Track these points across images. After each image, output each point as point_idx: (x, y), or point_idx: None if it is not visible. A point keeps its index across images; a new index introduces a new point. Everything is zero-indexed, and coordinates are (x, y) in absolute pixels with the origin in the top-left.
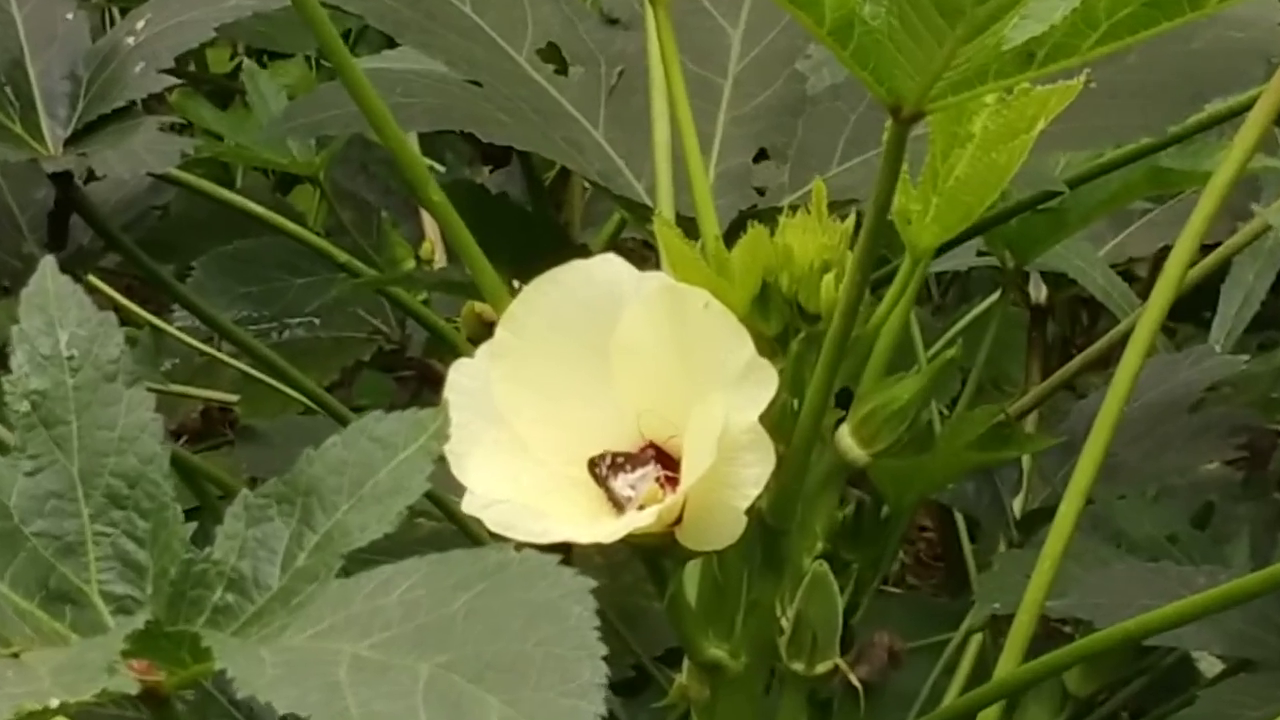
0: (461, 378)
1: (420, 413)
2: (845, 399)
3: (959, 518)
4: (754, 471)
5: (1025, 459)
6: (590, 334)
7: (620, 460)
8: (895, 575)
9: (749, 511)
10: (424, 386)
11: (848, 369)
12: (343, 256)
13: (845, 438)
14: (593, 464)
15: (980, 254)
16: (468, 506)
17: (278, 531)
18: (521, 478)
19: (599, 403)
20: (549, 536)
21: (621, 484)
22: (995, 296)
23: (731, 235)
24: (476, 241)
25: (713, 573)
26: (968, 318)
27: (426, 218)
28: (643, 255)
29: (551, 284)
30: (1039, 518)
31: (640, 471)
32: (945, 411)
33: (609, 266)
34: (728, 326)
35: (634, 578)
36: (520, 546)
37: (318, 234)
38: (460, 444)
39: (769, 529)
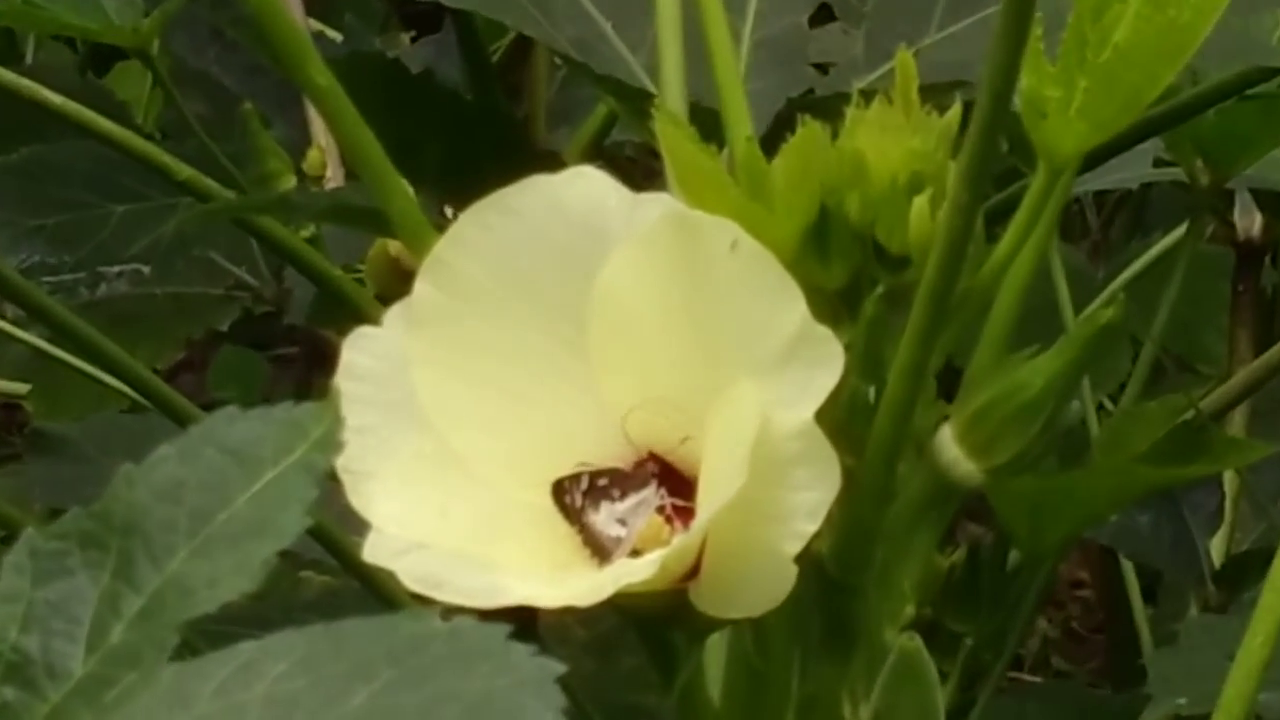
0: (363, 357)
1: (297, 409)
2: (948, 387)
3: (1127, 568)
4: (808, 497)
5: (1228, 478)
6: (558, 290)
7: (603, 482)
8: (1035, 655)
9: (801, 559)
10: (314, 370)
11: (951, 341)
12: (185, 171)
13: (949, 446)
14: (561, 487)
15: (1159, 164)
16: (373, 553)
17: (81, 591)
18: (454, 509)
19: (571, 394)
20: (497, 598)
21: (605, 518)
22: (1182, 230)
23: (775, 137)
24: (389, 148)
25: (746, 653)
26: (1140, 262)
27: (314, 112)
28: (640, 169)
29: (499, 213)
30: (1249, 566)
31: (634, 498)
32: (1107, 405)
33: (587, 185)
34: (767, 277)
35: (636, 662)
36: (450, 612)
37: (148, 136)
38: (361, 458)
39: (832, 585)
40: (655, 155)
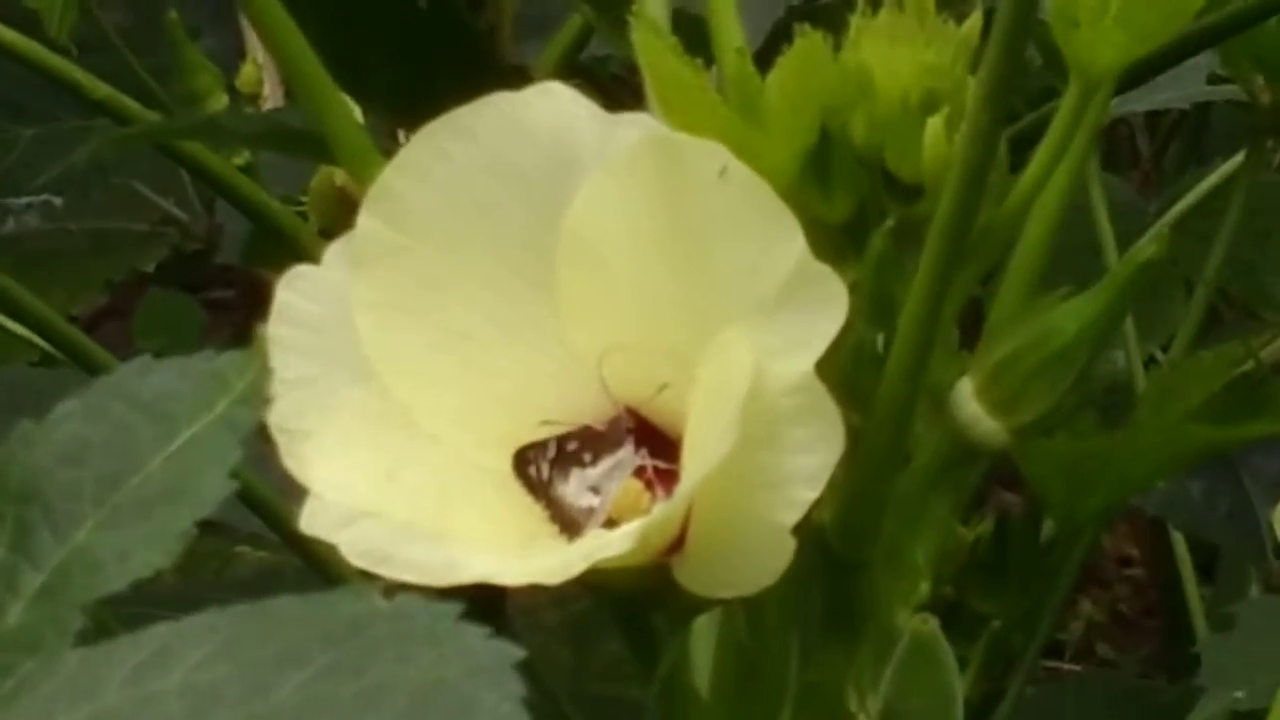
0: (300, 299)
1: (219, 359)
2: (971, 336)
3: (1179, 541)
4: (807, 460)
5: None
6: (522, 223)
7: (572, 445)
8: (1078, 641)
9: (799, 530)
10: (255, 316)
11: (971, 281)
12: (102, 90)
13: (967, 401)
14: (524, 457)
15: (1214, 80)
16: (313, 524)
17: None
18: (403, 473)
19: (536, 341)
20: (453, 574)
21: (576, 487)
22: (1240, 158)
23: (771, 50)
24: (332, 64)
25: (738, 637)
26: (1194, 193)
27: (249, 23)
28: (618, 87)
29: (454, 135)
30: None
31: (608, 461)
32: (1156, 357)
33: (553, 104)
34: (760, 208)
35: (615, 649)
36: (393, 589)
37: (60, 50)
38: (298, 415)
39: (835, 560)
40: (636, 73)
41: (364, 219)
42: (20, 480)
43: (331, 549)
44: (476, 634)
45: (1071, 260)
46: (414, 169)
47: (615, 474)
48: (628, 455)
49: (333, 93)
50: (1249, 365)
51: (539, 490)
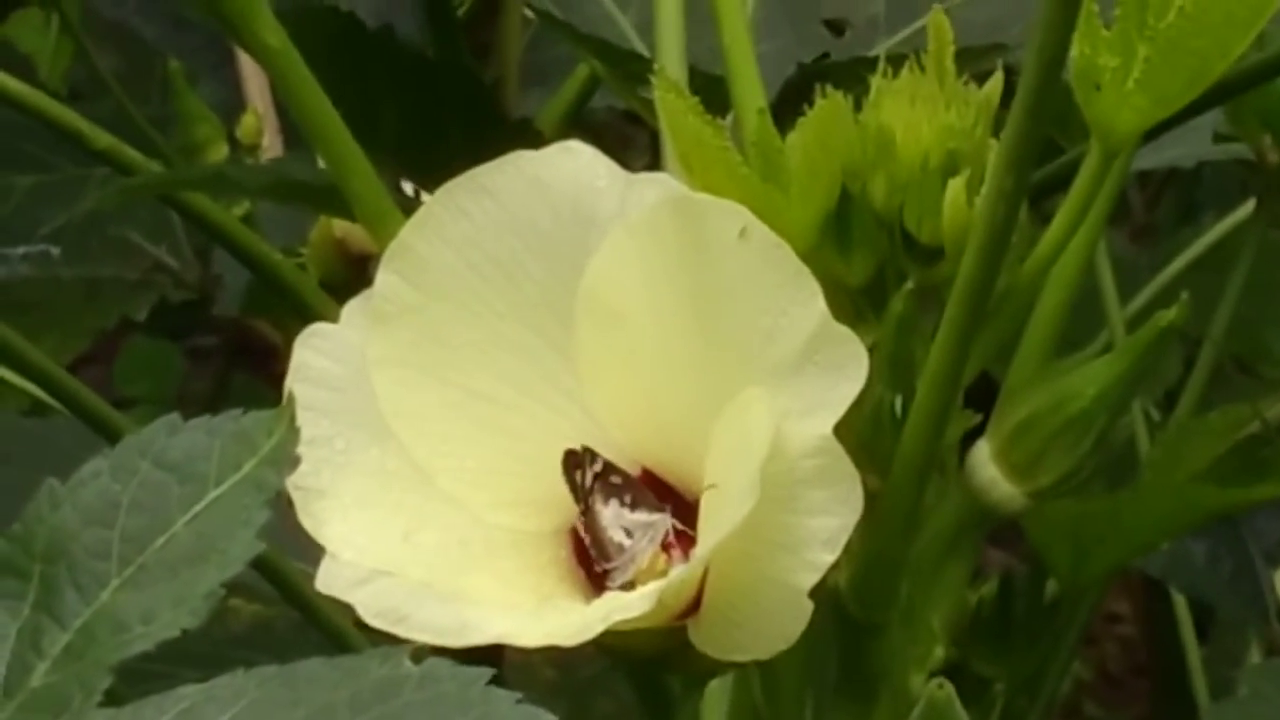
0: (317, 357)
1: (246, 419)
2: (981, 397)
3: (1179, 603)
4: (825, 523)
5: None
6: (540, 282)
7: (616, 479)
8: (1067, 699)
9: (816, 593)
10: (234, 366)
11: (990, 344)
12: (104, 139)
13: (985, 465)
14: (573, 458)
15: (1219, 139)
16: (328, 583)
17: None
18: (420, 533)
19: (554, 401)
20: (469, 635)
21: (612, 516)
22: (1245, 212)
23: (787, 108)
24: (340, 115)
25: (753, 701)
26: (1194, 249)
27: (248, 71)
28: (626, 141)
29: (474, 194)
30: None
31: (644, 516)
32: (1154, 416)
33: (573, 163)
34: (781, 269)
35: (612, 707)
36: (422, 653)
37: (56, 97)
38: (314, 473)
39: (851, 624)
40: (633, 122)
41: (383, 276)
42: (47, 540)
43: (333, 606)
44: (506, 699)
45: (1071, 314)
46: (433, 227)
47: (650, 533)
48: (662, 520)
49: (352, 149)
50: (1254, 426)
51: (580, 498)
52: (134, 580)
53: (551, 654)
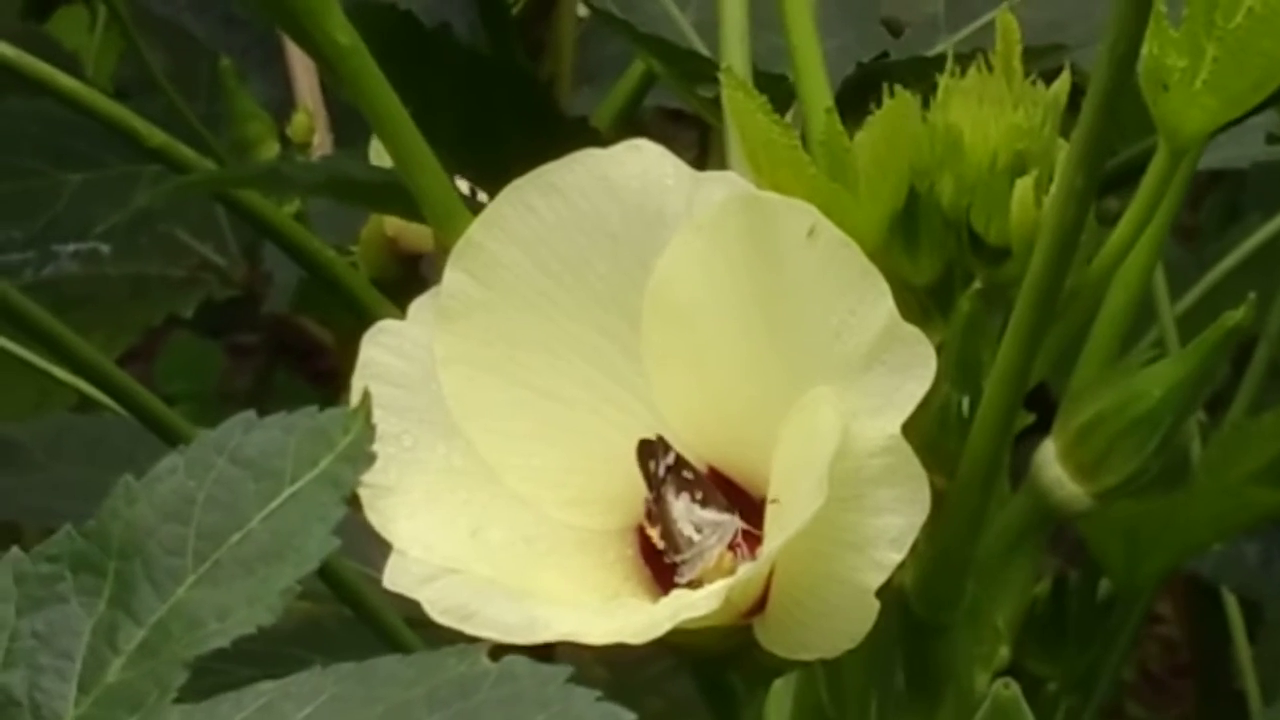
0: (384, 354)
1: (322, 415)
2: (1032, 399)
3: (1230, 604)
4: (892, 522)
5: None
6: (608, 279)
7: (688, 474)
8: (1109, 700)
9: (882, 593)
10: (276, 364)
11: (1056, 345)
12: (158, 137)
13: (1050, 465)
14: (647, 448)
15: (1272, 140)
16: (395, 579)
17: (73, 621)
18: (487, 530)
19: (621, 399)
20: (537, 632)
21: (683, 510)
22: None
23: (847, 106)
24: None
25: (818, 700)
26: (1242, 250)
27: (298, 69)
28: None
29: (542, 192)
30: None
31: (714, 515)
32: (1202, 418)
33: (642, 162)
34: (849, 268)
35: (662, 706)
36: (499, 650)
37: (105, 94)
38: (382, 470)
39: (917, 624)
40: (678, 121)
41: (450, 273)
42: (122, 536)
43: (384, 603)
44: (585, 696)
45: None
46: (501, 225)
47: (719, 533)
48: (731, 522)
49: (421, 147)
50: None
51: (653, 486)
52: (209, 577)
53: (602, 653)
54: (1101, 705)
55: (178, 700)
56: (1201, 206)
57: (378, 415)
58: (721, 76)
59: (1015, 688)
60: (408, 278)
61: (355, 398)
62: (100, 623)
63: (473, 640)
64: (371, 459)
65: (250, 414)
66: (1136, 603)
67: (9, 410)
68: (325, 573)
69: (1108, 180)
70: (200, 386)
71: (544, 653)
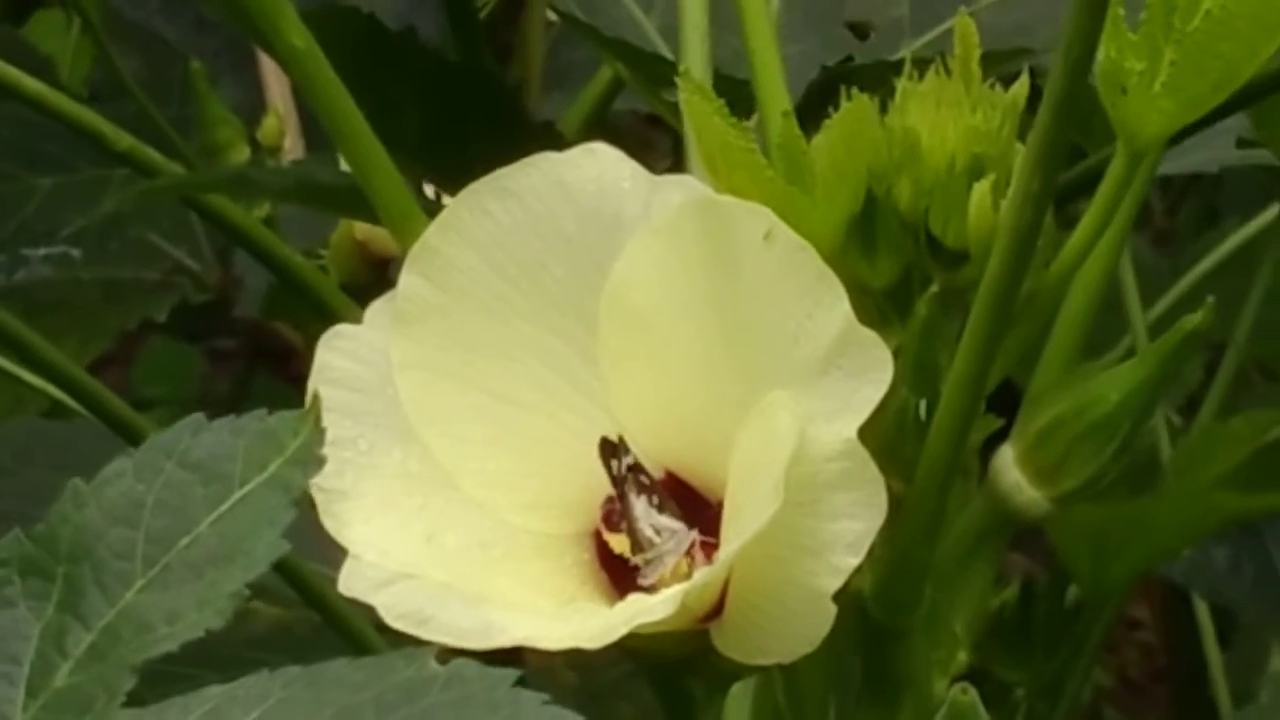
0: (340, 359)
1: (271, 419)
2: (1003, 403)
3: (1201, 609)
4: (849, 526)
5: None
6: (565, 284)
7: (645, 480)
8: (1087, 705)
9: (840, 597)
10: (254, 368)
11: (1015, 349)
12: (126, 141)
13: (1009, 469)
14: (608, 446)
15: (1243, 144)
16: (351, 584)
17: (21, 625)
18: (443, 535)
19: (578, 403)
20: (493, 637)
21: (644, 510)
22: (1269, 217)
23: (810, 111)
24: (363, 114)
25: (775, 705)
26: (1216, 254)
27: (270, 73)
28: (648, 145)
29: (498, 196)
30: None
31: (669, 522)
32: (1175, 421)
33: (598, 165)
34: (805, 272)
35: (634, 711)
36: (447, 654)
37: (77, 99)
38: (337, 475)
39: (875, 628)
40: (655, 125)
41: (406, 277)
42: (71, 539)
43: (354, 609)
44: (533, 700)
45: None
46: (457, 228)
47: (673, 539)
48: (686, 532)
49: (377, 151)
50: (1277, 433)
51: (616, 485)
52: (159, 580)
53: (572, 658)
54: (1078, 711)
55: (126, 705)
56: (1179, 211)
57: (333, 419)
58: (678, 79)
59: (973, 692)
60: (377, 282)
61: (309, 401)
62: (48, 627)
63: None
64: (321, 462)
65: (199, 416)
66: (1104, 607)
67: None
68: (293, 578)
69: (1076, 185)
70: (179, 391)
71: (510, 657)
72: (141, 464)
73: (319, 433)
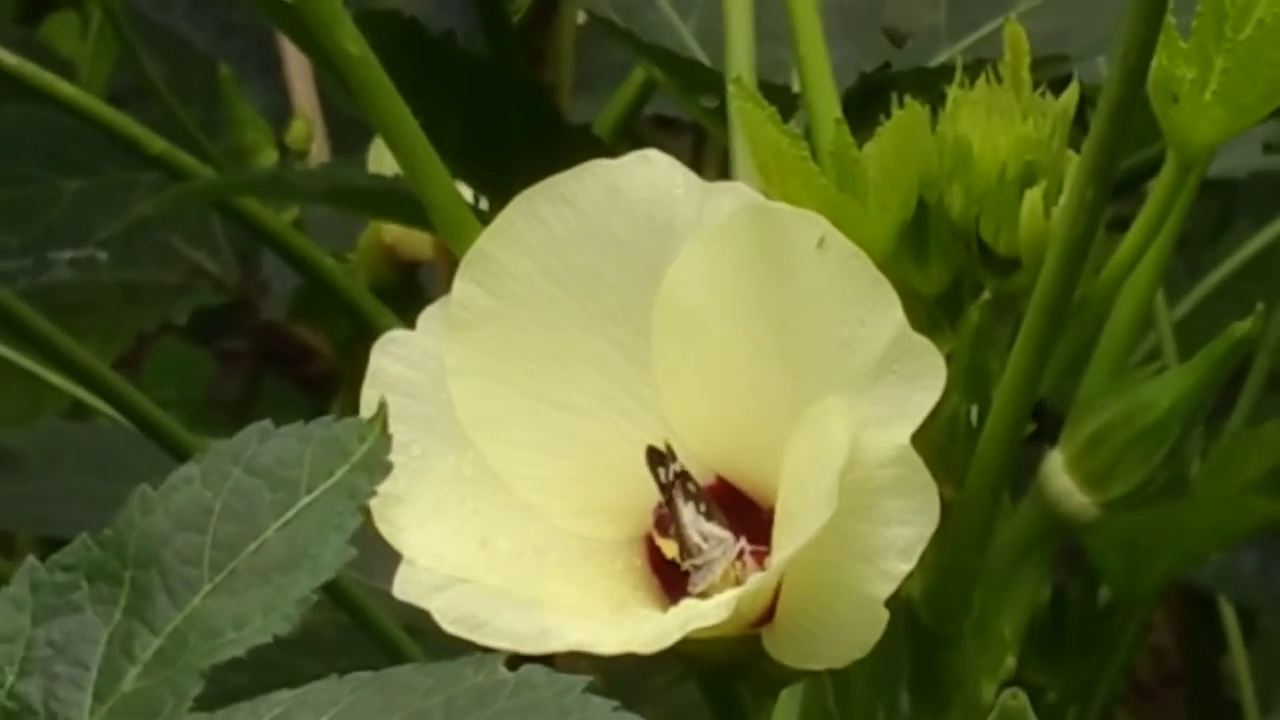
0: (394, 364)
1: (337, 425)
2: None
3: (1228, 613)
4: (902, 532)
5: None
6: (618, 290)
7: (692, 487)
8: (1098, 709)
9: (892, 603)
10: (264, 370)
11: (1064, 355)
12: (159, 145)
13: (1058, 475)
14: (655, 455)
15: (1270, 148)
16: (406, 589)
17: (89, 630)
18: (496, 539)
19: (630, 409)
20: (547, 642)
21: (692, 517)
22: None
23: (848, 116)
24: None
25: (825, 710)
26: (1236, 258)
27: (297, 77)
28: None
29: (552, 202)
30: None
31: (717, 529)
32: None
33: (651, 173)
34: (858, 279)
35: (660, 716)
36: (516, 660)
37: (101, 100)
38: (392, 480)
39: (925, 634)
40: (672, 132)
41: (460, 284)
42: (139, 545)
43: (384, 611)
44: (603, 706)
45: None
46: (511, 235)
47: (720, 546)
48: (733, 541)
49: (430, 156)
50: None
51: (664, 492)
52: (226, 586)
53: (598, 662)
54: (1105, 715)
55: (193, 709)
56: (1190, 214)
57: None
58: (731, 87)
59: (1023, 697)
60: (406, 285)
61: (366, 407)
62: (116, 631)
63: (477, 649)
64: (387, 469)
65: (266, 423)
66: (1136, 612)
67: (9, 415)
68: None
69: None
70: (189, 393)
71: (541, 663)
72: (209, 470)
73: (385, 439)
